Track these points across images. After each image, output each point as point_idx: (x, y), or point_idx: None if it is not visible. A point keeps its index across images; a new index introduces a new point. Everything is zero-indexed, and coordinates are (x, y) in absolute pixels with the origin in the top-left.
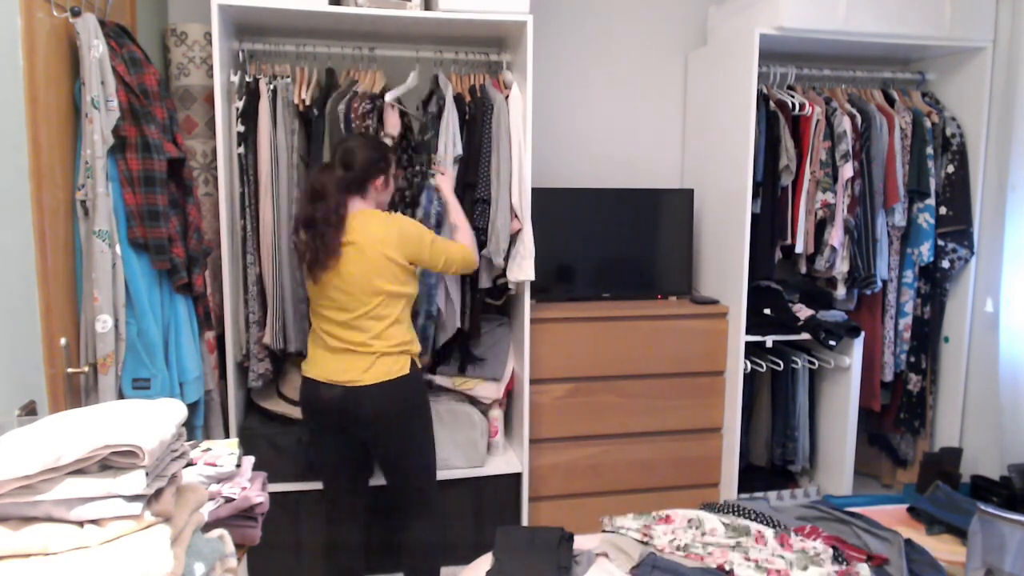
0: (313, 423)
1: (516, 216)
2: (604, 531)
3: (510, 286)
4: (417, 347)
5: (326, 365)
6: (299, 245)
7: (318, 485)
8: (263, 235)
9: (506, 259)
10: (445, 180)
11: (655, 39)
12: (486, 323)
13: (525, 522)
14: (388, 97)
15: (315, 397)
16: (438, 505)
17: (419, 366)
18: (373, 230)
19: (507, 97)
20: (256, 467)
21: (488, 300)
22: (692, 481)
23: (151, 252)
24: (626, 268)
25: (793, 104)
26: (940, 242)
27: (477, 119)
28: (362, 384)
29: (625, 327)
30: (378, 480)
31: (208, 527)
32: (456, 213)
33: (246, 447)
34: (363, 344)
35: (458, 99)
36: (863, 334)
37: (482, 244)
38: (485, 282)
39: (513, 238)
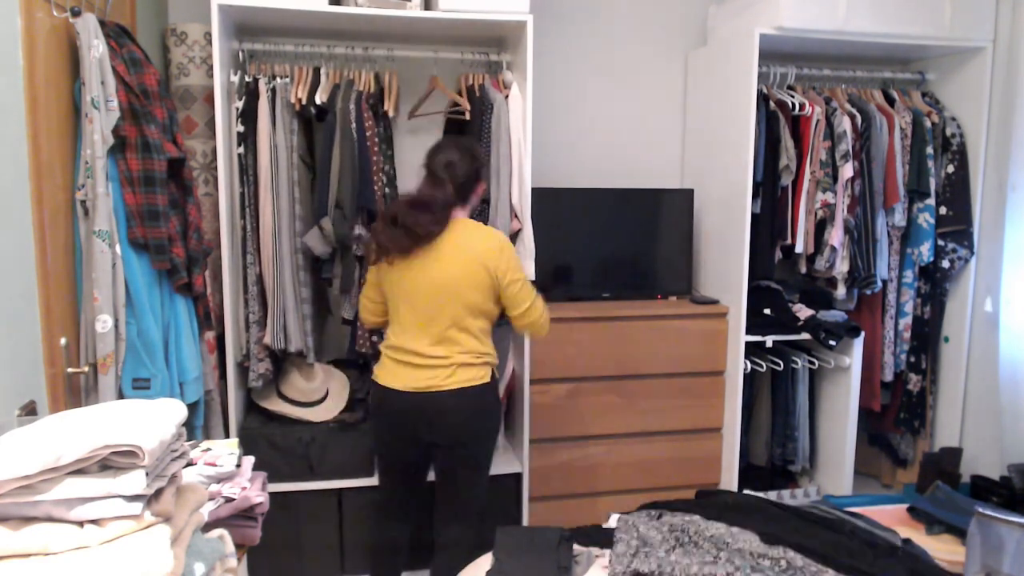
0: (384, 428)
1: (516, 216)
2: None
3: None
4: (496, 360)
5: (405, 376)
6: (375, 235)
7: (319, 485)
8: (263, 235)
9: None
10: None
11: (655, 39)
12: None
13: (525, 522)
14: None
15: (389, 403)
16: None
17: (496, 377)
18: (477, 240)
19: (506, 97)
20: (256, 467)
21: None
22: (692, 481)
23: (151, 252)
24: (626, 268)
25: (793, 104)
26: (940, 242)
27: (476, 119)
28: (445, 389)
29: (625, 327)
30: None
31: (208, 527)
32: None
33: (246, 447)
34: (445, 357)
35: (359, 98)
36: (863, 334)
37: None
38: None
39: (513, 238)
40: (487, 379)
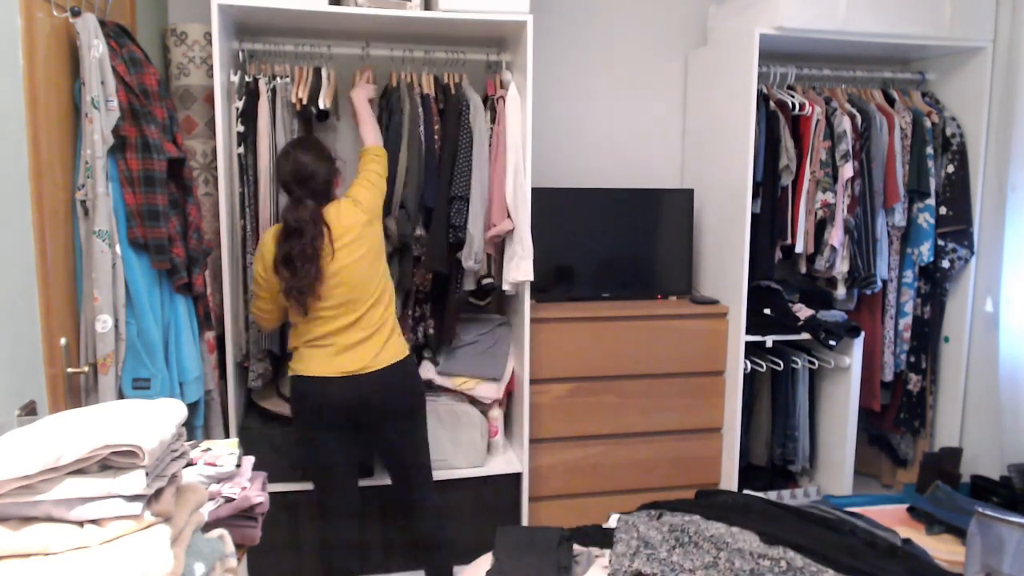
0: (315, 421)
1: (509, 216)
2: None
3: (506, 287)
4: None
5: (333, 362)
6: (281, 282)
7: None
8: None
9: (502, 260)
10: (359, 90)
11: (655, 39)
12: (486, 324)
13: (525, 522)
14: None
15: (320, 393)
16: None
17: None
18: (349, 216)
19: (502, 97)
20: (256, 467)
21: (472, 301)
22: (692, 481)
23: (151, 252)
24: (626, 268)
25: (793, 104)
26: (940, 242)
27: (452, 117)
28: (375, 368)
29: (625, 327)
30: (375, 480)
31: (208, 527)
32: (362, 110)
33: (246, 447)
34: (373, 334)
35: (425, 99)
36: (863, 334)
37: (460, 243)
38: (469, 284)
39: (507, 238)
40: (407, 351)
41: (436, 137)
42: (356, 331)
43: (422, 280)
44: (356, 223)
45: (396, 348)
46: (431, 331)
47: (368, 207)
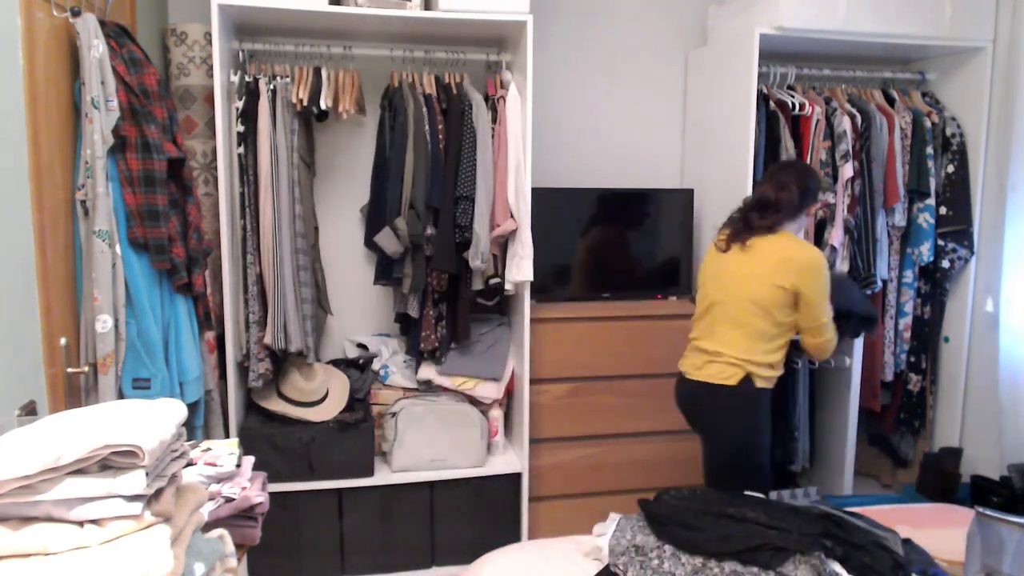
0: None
1: (512, 216)
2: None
3: (507, 287)
4: (767, 371)
5: (686, 359)
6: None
7: (319, 485)
8: (263, 235)
9: (504, 260)
10: None
11: (655, 39)
12: (486, 324)
13: (525, 522)
14: None
15: (675, 389)
16: None
17: (757, 386)
18: (778, 250)
19: (503, 97)
20: (256, 467)
21: (480, 301)
22: (692, 481)
23: (151, 252)
24: (626, 268)
25: (793, 104)
26: (940, 242)
27: (455, 117)
28: (694, 380)
29: (625, 327)
30: (385, 479)
31: (208, 527)
32: None
33: (246, 447)
34: (708, 347)
35: (428, 99)
36: (863, 334)
37: (467, 242)
38: (477, 284)
39: (509, 238)
40: (732, 383)
41: (440, 137)
42: (704, 338)
43: (438, 281)
44: (774, 272)
45: (715, 371)
46: (445, 331)
47: (794, 283)
